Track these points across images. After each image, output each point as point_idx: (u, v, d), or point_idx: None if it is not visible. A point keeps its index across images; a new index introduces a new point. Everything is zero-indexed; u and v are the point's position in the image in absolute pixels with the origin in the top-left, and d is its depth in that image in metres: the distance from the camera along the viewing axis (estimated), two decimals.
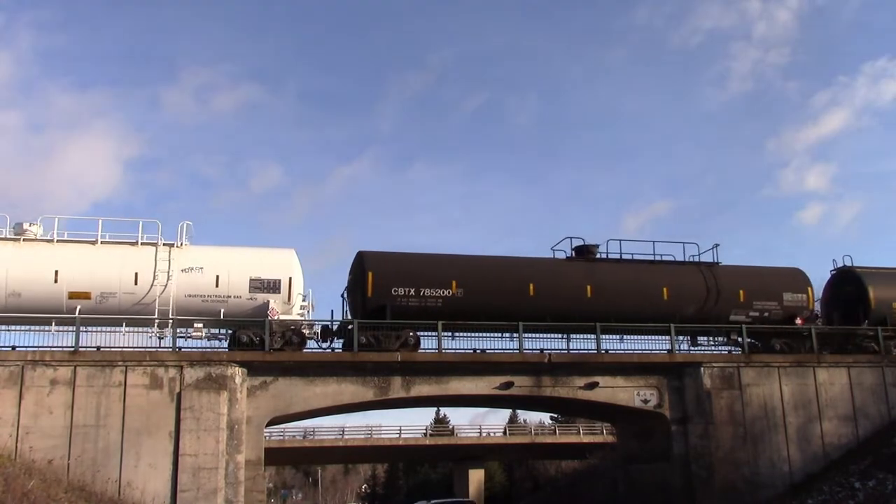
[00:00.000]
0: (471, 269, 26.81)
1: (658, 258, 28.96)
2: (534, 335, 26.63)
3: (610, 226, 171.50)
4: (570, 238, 28.62)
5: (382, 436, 61.26)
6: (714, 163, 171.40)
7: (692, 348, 28.64)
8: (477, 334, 26.44)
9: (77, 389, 22.07)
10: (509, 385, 25.86)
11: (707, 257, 29.61)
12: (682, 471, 26.45)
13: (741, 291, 28.59)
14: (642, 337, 27.95)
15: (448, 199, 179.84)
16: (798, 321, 28.70)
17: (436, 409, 76.15)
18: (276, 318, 24.23)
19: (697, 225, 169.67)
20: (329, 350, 25.48)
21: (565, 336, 27.11)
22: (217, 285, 24.37)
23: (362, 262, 25.92)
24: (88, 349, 22.99)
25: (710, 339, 28.64)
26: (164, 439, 22.15)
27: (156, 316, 23.60)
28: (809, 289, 29.56)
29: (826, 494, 25.07)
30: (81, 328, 23.20)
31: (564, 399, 27.13)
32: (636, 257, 28.93)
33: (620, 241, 28.82)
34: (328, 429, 61.61)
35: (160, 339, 23.86)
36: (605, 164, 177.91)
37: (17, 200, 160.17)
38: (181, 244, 24.80)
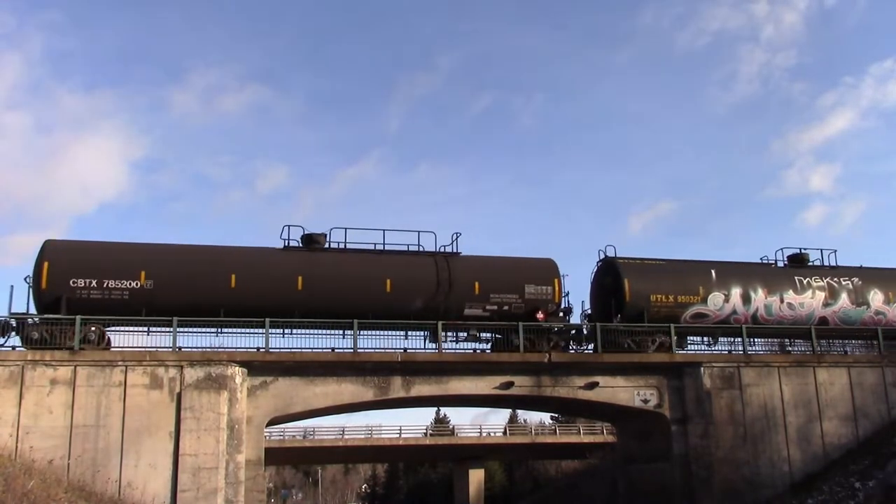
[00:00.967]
0: (162, 259, 24.78)
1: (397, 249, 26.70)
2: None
3: (614, 226, 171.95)
4: (289, 226, 26.26)
5: (382, 436, 61.31)
6: (719, 164, 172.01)
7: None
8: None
9: (77, 389, 22.07)
10: (509, 385, 25.87)
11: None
12: (682, 471, 26.45)
13: (476, 283, 26.32)
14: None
15: (449, 199, 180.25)
16: (539, 315, 26.39)
17: (436, 409, 76.39)
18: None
19: (701, 225, 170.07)
20: (329, 350, 25.46)
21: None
22: None
23: (41, 252, 23.95)
24: (88, 349, 22.98)
25: (451, 335, 26.27)
26: (164, 439, 22.15)
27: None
28: (556, 280, 27.02)
29: (826, 494, 25.06)
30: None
31: (564, 399, 27.13)
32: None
33: (346, 229, 26.53)
34: (328, 429, 61.84)
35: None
36: (609, 165, 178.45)
37: (23, 201, 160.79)
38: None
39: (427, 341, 25.96)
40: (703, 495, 25.82)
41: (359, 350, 24.79)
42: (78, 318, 22.79)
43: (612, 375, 26.63)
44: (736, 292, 28.60)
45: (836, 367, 28.21)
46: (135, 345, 23.97)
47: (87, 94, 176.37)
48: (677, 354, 27.37)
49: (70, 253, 24.20)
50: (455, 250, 27.31)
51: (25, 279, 23.81)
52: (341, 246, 26.52)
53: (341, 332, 25.02)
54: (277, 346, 24.64)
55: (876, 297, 30.03)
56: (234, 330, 24.54)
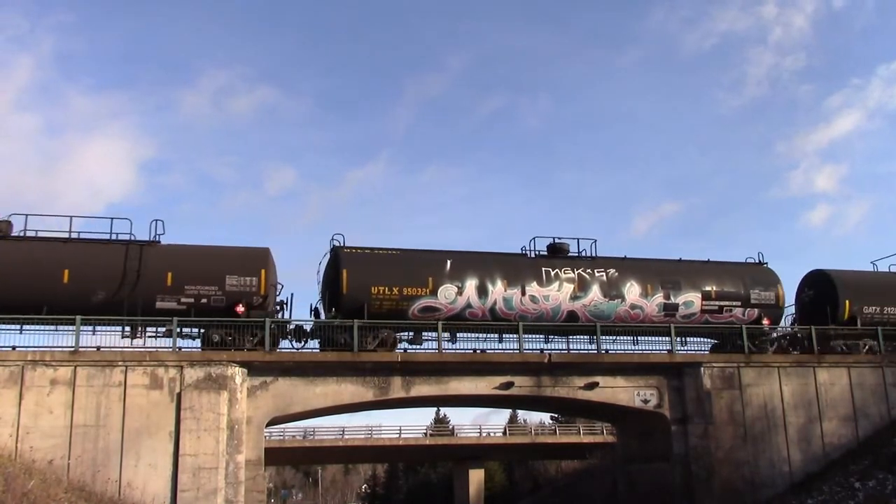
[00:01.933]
0: None
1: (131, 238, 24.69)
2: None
3: (619, 227, 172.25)
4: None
5: (382, 436, 61.31)
6: (724, 165, 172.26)
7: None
8: None
9: (77, 389, 22.06)
10: (509, 385, 25.87)
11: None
12: (682, 471, 26.46)
13: (169, 274, 24.18)
14: None
15: (454, 199, 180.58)
16: (239, 309, 24.29)
17: (436, 409, 76.37)
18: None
19: (706, 226, 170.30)
20: (329, 350, 25.45)
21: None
22: None
23: None
24: (88, 349, 22.99)
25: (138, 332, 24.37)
26: (164, 439, 22.14)
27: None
28: (263, 271, 24.88)
29: (826, 494, 25.07)
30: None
31: (564, 399, 27.13)
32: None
33: (27, 215, 24.34)
34: (328, 429, 61.87)
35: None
36: (614, 166, 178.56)
37: (31, 202, 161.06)
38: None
39: (123, 337, 24.06)
40: (703, 495, 25.82)
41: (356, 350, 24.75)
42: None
43: (612, 376, 26.63)
44: (471, 284, 26.33)
45: (836, 367, 28.21)
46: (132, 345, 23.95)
47: (96, 95, 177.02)
48: (677, 354, 27.38)
49: None
50: (154, 238, 24.95)
51: None
52: (32, 234, 24.40)
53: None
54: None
55: (632, 290, 27.76)
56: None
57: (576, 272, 27.64)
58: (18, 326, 23.45)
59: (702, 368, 26.93)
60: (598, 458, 44.00)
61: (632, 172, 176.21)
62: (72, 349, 22.53)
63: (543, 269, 27.47)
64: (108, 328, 23.93)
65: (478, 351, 26.74)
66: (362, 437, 60.96)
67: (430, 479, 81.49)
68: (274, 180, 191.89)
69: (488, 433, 66.40)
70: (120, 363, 22.61)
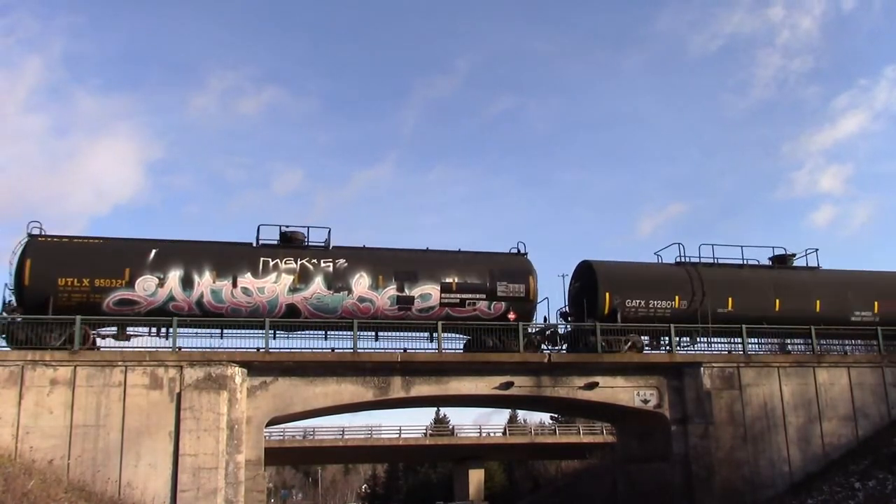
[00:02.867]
0: None
1: None
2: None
3: (624, 228, 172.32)
4: None
5: (382, 436, 61.30)
6: (729, 166, 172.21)
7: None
8: None
9: (77, 389, 22.07)
10: (509, 385, 25.87)
11: None
12: (682, 471, 26.46)
13: None
14: None
15: (457, 200, 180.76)
16: None
17: (436, 409, 76.35)
18: None
19: (711, 227, 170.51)
20: (329, 350, 25.47)
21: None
22: None
23: None
24: (88, 349, 22.98)
25: None
26: (164, 439, 22.15)
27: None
28: None
29: (826, 494, 25.07)
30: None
31: (564, 399, 27.13)
32: None
33: None
34: (328, 429, 61.81)
35: None
36: (619, 167, 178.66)
37: (39, 202, 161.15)
38: None
39: None
40: (702, 495, 25.82)
41: (358, 350, 24.81)
42: None
43: (611, 375, 26.63)
44: (175, 275, 24.41)
45: (836, 367, 28.21)
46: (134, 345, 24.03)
47: (104, 96, 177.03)
48: (677, 354, 27.37)
49: None
50: None
51: None
52: None
53: None
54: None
55: (361, 282, 25.66)
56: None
57: (299, 262, 25.50)
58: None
59: (702, 368, 26.92)
60: (598, 458, 43.97)
61: (636, 174, 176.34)
62: (72, 349, 22.55)
63: (262, 259, 25.33)
64: None
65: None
66: (362, 437, 60.95)
67: (430, 479, 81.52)
68: (281, 181, 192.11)
69: (488, 433, 66.39)
70: (120, 363, 22.62)
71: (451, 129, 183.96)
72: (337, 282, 25.53)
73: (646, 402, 26.82)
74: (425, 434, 64.73)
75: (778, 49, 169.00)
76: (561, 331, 28.26)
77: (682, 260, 29.88)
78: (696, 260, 29.89)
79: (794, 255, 31.79)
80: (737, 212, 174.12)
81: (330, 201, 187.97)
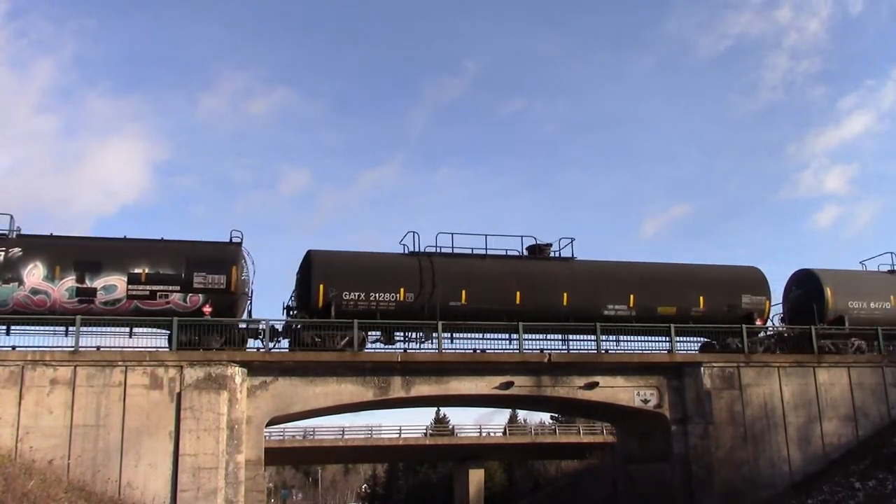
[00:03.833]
0: None
1: None
2: None
3: (628, 229, 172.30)
4: None
5: (382, 436, 61.26)
6: (734, 167, 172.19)
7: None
8: None
9: (77, 389, 22.06)
10: (509, 385, 25.87)
11: None
12: (682, 471, 26.46)
13: None
14: None
15: (459, 200, 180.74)
16: None
17: (436, 409, 76.35)
18: None
19: (715, 228, 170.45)
20: (329, 350, 25.43)
21: None
22: None
23: None
24: (88, 349, 22.99)
25: None
26: (164, 439, 22.15)
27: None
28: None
29: (826, 494, 25.08)
30: None
31: (564, 399, 27.14)
32: None
33: None
34: (328, 429, 61.77)
35: None
36: (624, 168, 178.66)
37: (47, 202, 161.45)
38: None
39: None
40: (703, 495, 25.83)
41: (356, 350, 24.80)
42: None
43: (612, 375, 26.63)
44: None
45: (836, 367, 28.22)
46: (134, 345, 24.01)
47: (115, 98, 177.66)
48: (677, 354, 27.37)
49: None
50: None
51: None
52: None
53: None
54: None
55: (35, 273, 23.64)
56: None
57: None
58: None
59: (702, 368, 26.92)
60: (598, 458, 43.98)
61: (641, 175, 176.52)
62: (72, 349, 22.54)
63: None
64: None
65: (477, 351, 26.75)
66: (362, 437, 60.92)
67: (430, 479, 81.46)
68: (289, 181, 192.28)
69: (488, 433, 66.44)
70: (120, 363, 22.61)
71: (459, 130, 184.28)
72: (6, 272, 23.51)
73: (646, 401, 26.82)
74: (425, 434, 64.71)
75: (785, 51, 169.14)
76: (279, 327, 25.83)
77: (417, 250, 27.47)
78: (434, 250, 27.51)
79: (549, 244, 29.26)
80: (740, 213, 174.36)
81: (335, 202, 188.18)
